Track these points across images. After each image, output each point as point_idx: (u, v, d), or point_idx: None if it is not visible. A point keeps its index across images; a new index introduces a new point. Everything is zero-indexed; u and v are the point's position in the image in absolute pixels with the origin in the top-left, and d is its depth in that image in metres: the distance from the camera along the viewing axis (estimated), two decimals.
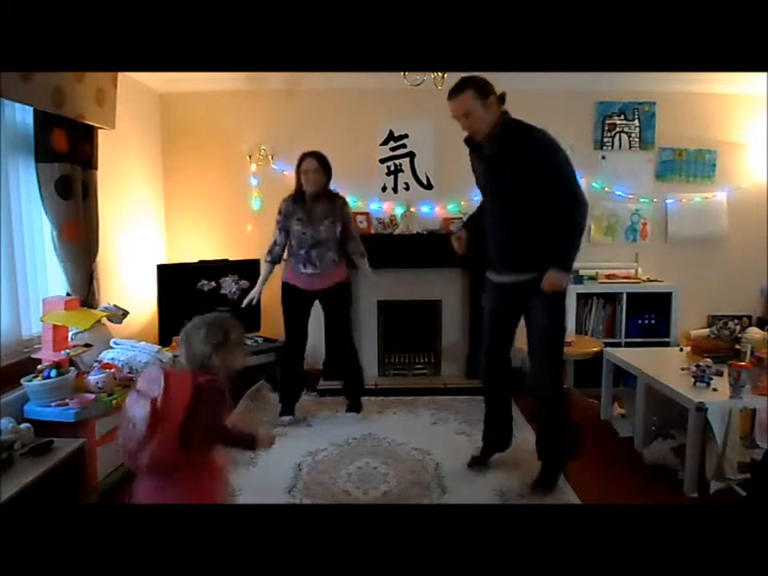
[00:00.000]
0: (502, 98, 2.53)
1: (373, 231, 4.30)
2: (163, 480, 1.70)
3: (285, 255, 3.46)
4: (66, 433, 2.35)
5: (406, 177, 4.39)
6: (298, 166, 3.28)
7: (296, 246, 3.35)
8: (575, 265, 4.20)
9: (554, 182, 2.42)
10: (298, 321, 3.48)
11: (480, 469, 2.90)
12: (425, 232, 4.26)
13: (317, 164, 3.22)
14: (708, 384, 2.81)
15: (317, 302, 3.50)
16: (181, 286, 3.94)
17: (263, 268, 3.52)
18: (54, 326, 2.59)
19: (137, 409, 1.66)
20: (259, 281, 3.50)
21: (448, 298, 4.35)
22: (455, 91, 2.46)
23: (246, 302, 3.46)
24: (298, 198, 3.31)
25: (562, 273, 2.44)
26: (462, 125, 2.53)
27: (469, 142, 2.62)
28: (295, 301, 3.43)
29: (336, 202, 3.34)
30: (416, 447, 3.18)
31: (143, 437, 1.63)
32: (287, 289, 3.43)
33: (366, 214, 4.36)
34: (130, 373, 2.88)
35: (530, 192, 2.45)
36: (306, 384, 3.80)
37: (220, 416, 1.75)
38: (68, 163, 2.82)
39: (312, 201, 3.29)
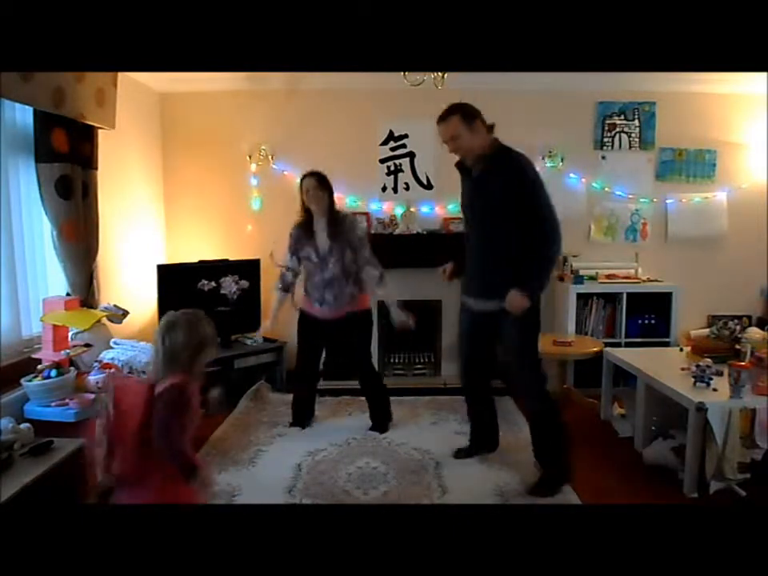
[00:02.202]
0: (490, 127, 2.61)
1: (373, 231, 4.29)
2: (134, 492, 1.69)
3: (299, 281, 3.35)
4: (66, 433, 2.34)
5: (406, 177, 4.39)
6: (300, 188, 3.19)
7: (309, 283, 3.28)
8: (575, 265, 4.29)
9: (532, 211, 2.50)
10: (311, 350, 3.40)
11: (467, 461, 3.01)
12: (425, 232, 4.27)
13: (315, 182, 3.12)
14: (708, 384, 2.81)
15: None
16: (181, 286, 3.93)
17: (275, 297, 3.36)
18: (54, 325, 2.59)
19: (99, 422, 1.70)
20: (272, 310, 3.37)
21: (448, 298, 4.35)
22: (444, 116, 2.60)
23: (260, 331, 3.43)
24: (306, 223, 3.21)
25: (524, 295, 2.48)
26: (450, 147, 2.63)
27: (459, 165, 2.71)
28: (310, 329, 3.33)
29: (343, 227, 3.16)
30: (416, 447, 3.18)
31: (106, 452, 1.66)
32: (303, 316, 3.36)
33: (366, 213, 4.36)
34: (130, 373, 2.88)
35: (510, 219, 2.52)
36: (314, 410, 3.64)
37: (178, 419, 1.67)
38: (68, 163, 2.82)
39: (319, 230, 3.17)
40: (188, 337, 1.73)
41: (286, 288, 3.33)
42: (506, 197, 2.50)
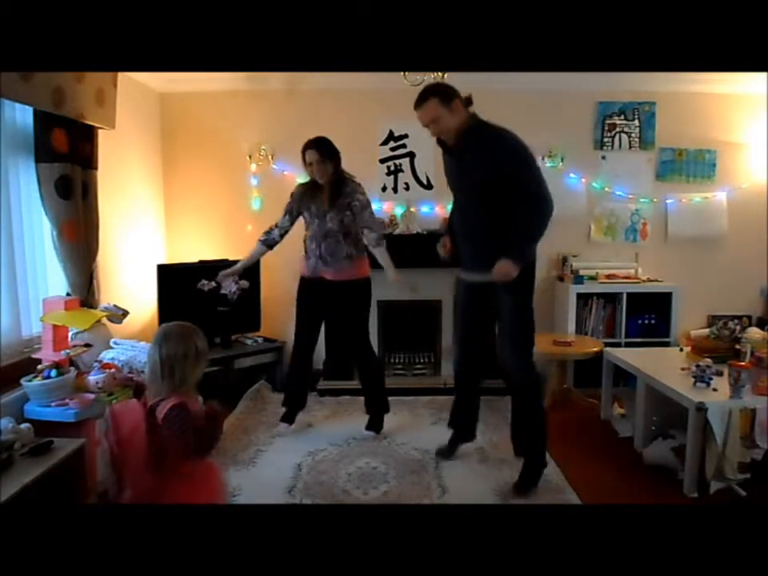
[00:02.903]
0: (468, 101, 2.57)
1: None
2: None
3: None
4: (66, 433, 2.34)
5: (406, 177, 4.39)
6: (303, 159, 3.10)
7: (308, 240, 3.22)
8: (575, 265, 4.29)
9: (518, 178, 2.47)
10: (309, 317, 3.30)
11: (448, 459, 3.02)
12: (425, 232, 4.26)
13: (317, 155, 3.03)
14: (708, 384, 2.81)
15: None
16: (181, 286, 3.93)
17: (254, 248, 3.31)
18: (54, 325, 2.59)
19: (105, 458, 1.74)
20: (244, 259, 3.30)
21: (448, 298, 4.35)
22: (420, 101, 2.55)
23: (221, 273, 3.24)
24: (311, 185, 3.16)
25: (511, 262, 2.46)
26: (432, 131, 2.61)
27: (440, 142, 2.69)
28: (308, 294, 3.26)
29: (346, 189, 3.10)
30: (416, 447, 3.19)
31: (115, 483, 1.71)
32: (301, 282, 3.29)
33: None
34: (130, 373, 2.88)
35: (497, 189, 2.51)
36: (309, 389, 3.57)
37: (189, 434, 1.71)
38: (68, 163, 2.81)
39: (324, 190, 3.13)
40: (183, 347, 1.75)
41: (269, 244, 3.26)
42: (487, 171, 2.49)
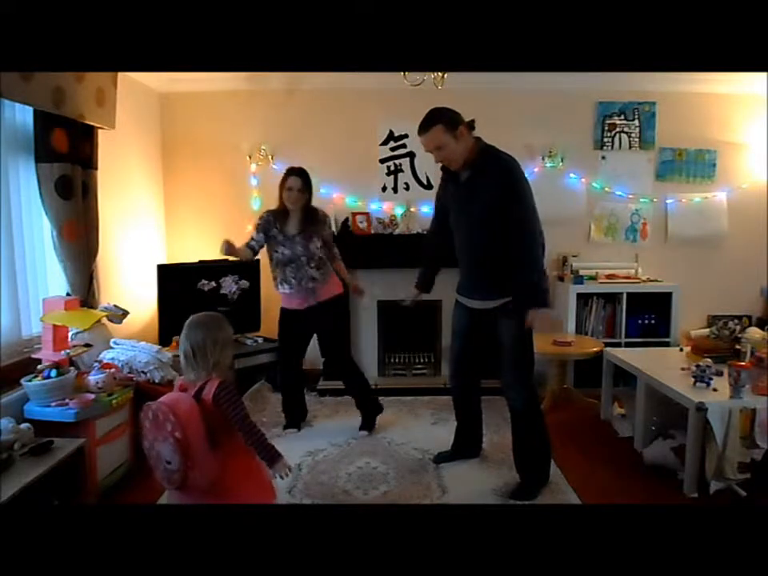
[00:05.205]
0: (471, 126, 2.53)
1: (373, 231, 4.30)
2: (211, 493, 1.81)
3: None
4: (66, 433, 2.35)
5: (406, 177, 4.39)
6: (283, 182, 3.14)
7: (273, 265, 3.24)
8: (575, 265, 4.29)
9: (517, 207, 2.44)
10: (290, 346, 3.36)
11: (467, 461, 3.00)
12: (425, 232, 4.26)
13: (301, 183, 3.10)
14: (708, 384, 2.81)
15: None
16: (181, 286, 3.94)
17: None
18: (54, 325, 2.59)
19: (163, 449, 1.76)
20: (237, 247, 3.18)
21: (448, 298, 4.33)
22: (424, 127, 2.51)
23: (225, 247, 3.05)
24: (279, 213, 3.18)
25: (540, 308, 2.46)
26: (436, 157, 2.58)
27: (445, 169, 2.66)
28: (287, 323, 3.32)
29: (316, 217, 3.21)
30: (416, 447, 3.19)
31: (184, 467, 1.73)
32: (281, 313, 3.33)
33: (366, 214, 4.36)
34: (130, 373, 2.88)
35: (501, 219, 2.47)
36: (307, 387, 3.64)
37: (242, 406, 1.85)
38: (68, 163, 2.82)
39: (291, 219, 3.18)
40: (212, 334, 1.88)
41: (252, 248, 3.20)
42: (495, 201, 2.45)
